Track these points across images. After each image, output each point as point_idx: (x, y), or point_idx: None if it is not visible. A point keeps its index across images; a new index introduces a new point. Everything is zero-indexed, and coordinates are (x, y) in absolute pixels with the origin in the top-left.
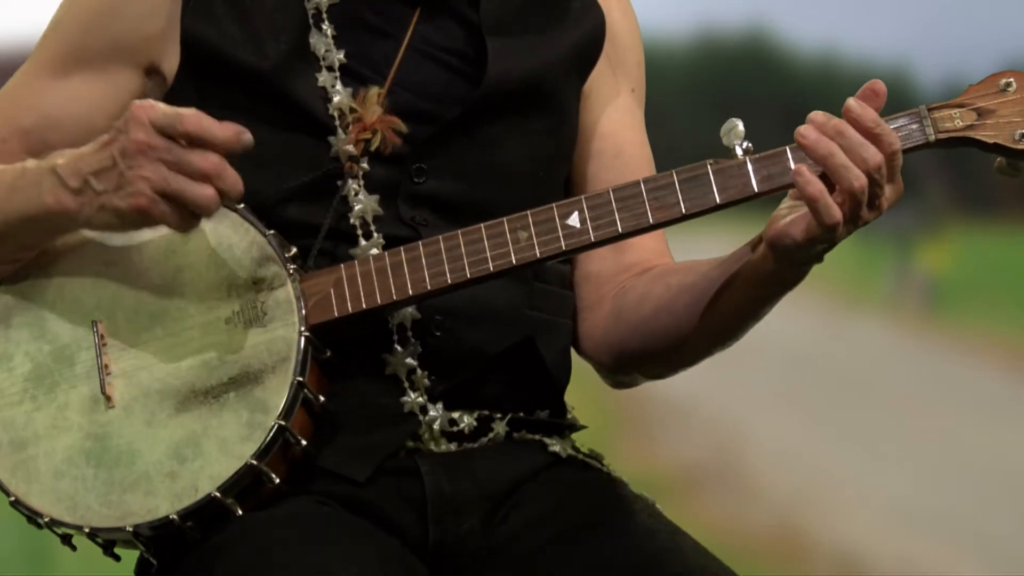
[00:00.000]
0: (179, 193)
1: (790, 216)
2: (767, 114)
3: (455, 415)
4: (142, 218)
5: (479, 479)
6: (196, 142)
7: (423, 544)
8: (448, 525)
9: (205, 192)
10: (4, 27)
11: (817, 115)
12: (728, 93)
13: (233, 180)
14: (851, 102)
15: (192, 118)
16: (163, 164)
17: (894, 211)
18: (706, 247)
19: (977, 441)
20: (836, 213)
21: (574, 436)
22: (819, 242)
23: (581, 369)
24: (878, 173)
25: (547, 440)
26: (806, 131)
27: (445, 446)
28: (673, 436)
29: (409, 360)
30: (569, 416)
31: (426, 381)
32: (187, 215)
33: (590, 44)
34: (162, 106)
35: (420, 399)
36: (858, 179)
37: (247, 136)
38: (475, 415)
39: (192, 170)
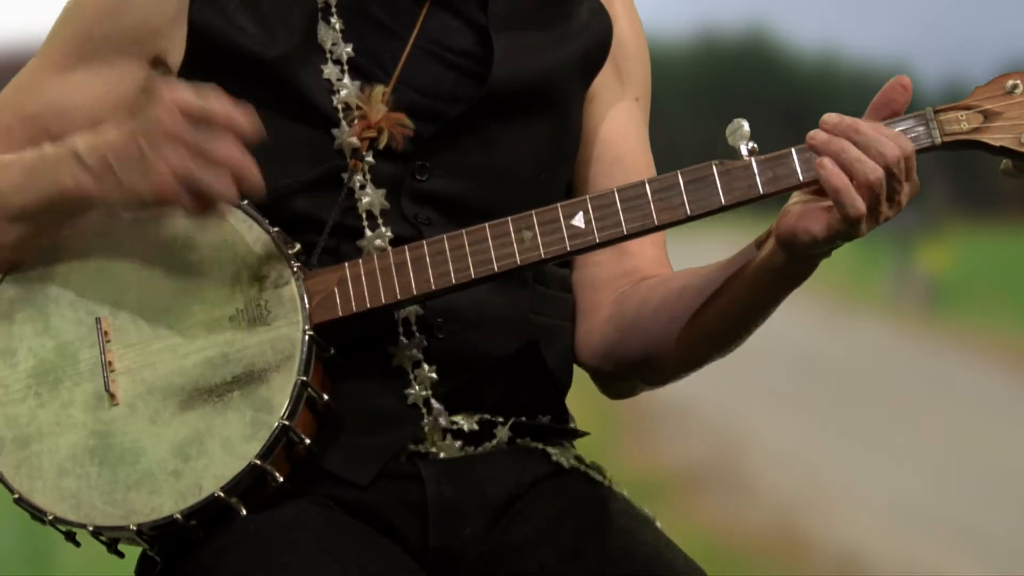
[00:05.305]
0: (200, 182)
1: (804, 211)
2: (767, 114)
3: (457, 418)
4: (162, 202)
5: (481, 486)
6: (219, 128)
7: (424, 550)
8: (449, 531)
9: (225, 184)
10: (4, 27)
11: (830, 116)
12: (728, 93)
13: (254, 174)
14: (858, 122)
15: (220, 107)
16: (186, 150)
17: None
18: (704, 252)
19: (977, 441)
20: (861, 205)
21: (576, 442)
22: (840, 237)
23: (581, 369)
24: (897, 167)
25: (550, 450)
26: (816, 133)
27: (448, 450)
28: (673, 436)
29: (415, 352)
30: (570, 424)
31: (432, 375)
32: (204, 203)
33: (596, 48)
34: (187, 89)
35: (424, 392)
36: (874, 171)
37: (262, 130)
38: (476, 418)
39: (215, 159)
